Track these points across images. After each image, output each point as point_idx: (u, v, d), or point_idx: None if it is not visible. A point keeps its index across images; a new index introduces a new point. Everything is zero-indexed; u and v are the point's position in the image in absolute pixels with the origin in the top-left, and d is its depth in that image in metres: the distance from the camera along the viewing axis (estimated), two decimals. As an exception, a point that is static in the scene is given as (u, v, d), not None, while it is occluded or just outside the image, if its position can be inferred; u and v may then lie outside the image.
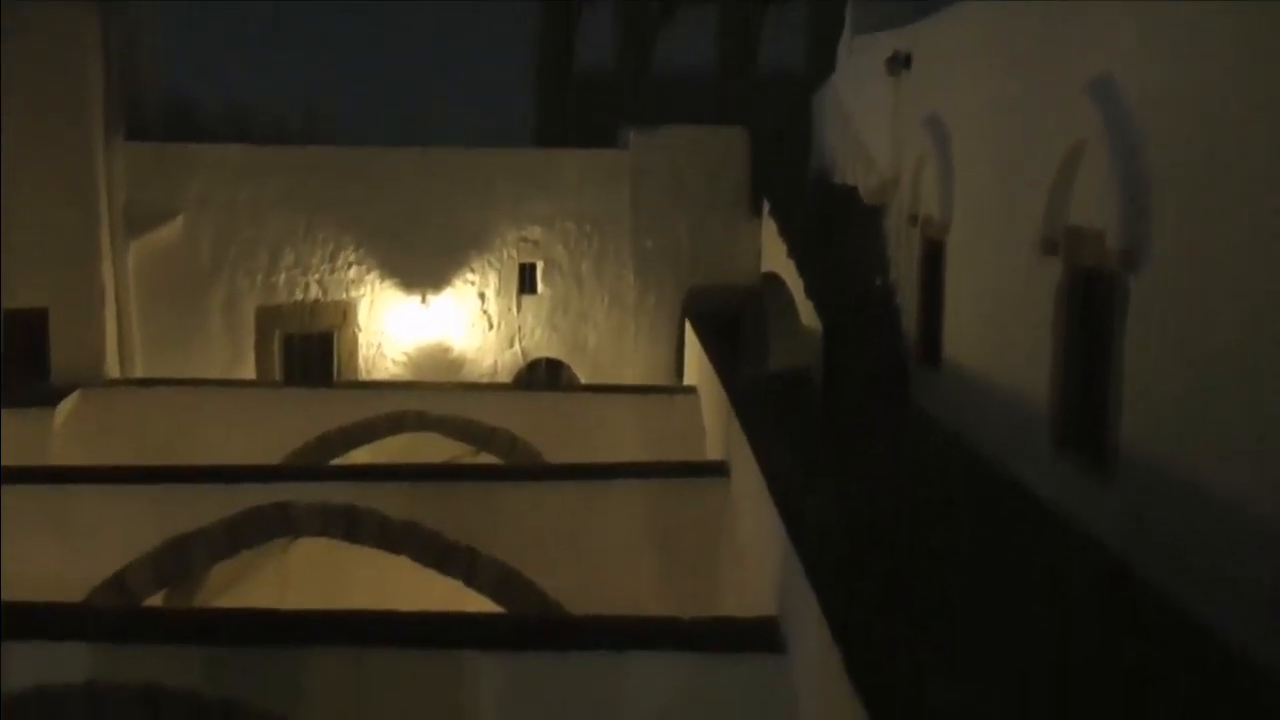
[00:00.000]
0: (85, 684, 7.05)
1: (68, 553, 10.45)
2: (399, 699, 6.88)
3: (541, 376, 19.67)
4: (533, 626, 7.89)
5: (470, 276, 19.04)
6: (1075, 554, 8.62)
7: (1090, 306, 9.28)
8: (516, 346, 19.41)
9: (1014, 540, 9.14)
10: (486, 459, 14.98)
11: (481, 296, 19.11)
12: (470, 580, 10.27)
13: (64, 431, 14.85)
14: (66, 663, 7.07)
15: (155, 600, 10.48)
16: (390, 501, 10.43)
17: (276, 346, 19.04)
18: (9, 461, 11.85)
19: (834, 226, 16.40)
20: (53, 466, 13.02)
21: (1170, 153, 7.79)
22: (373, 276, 18.80)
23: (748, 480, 8.84)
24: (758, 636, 6.71)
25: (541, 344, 19.47)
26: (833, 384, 14.37)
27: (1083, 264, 9.33)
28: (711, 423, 13.11)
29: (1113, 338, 8.56)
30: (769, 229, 17.83)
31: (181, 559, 10.61)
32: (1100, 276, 8.97)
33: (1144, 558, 7.79)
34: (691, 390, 15.57)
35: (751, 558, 8.40)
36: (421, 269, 18.87)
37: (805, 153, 21.71)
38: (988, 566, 8.38)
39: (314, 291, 18.63)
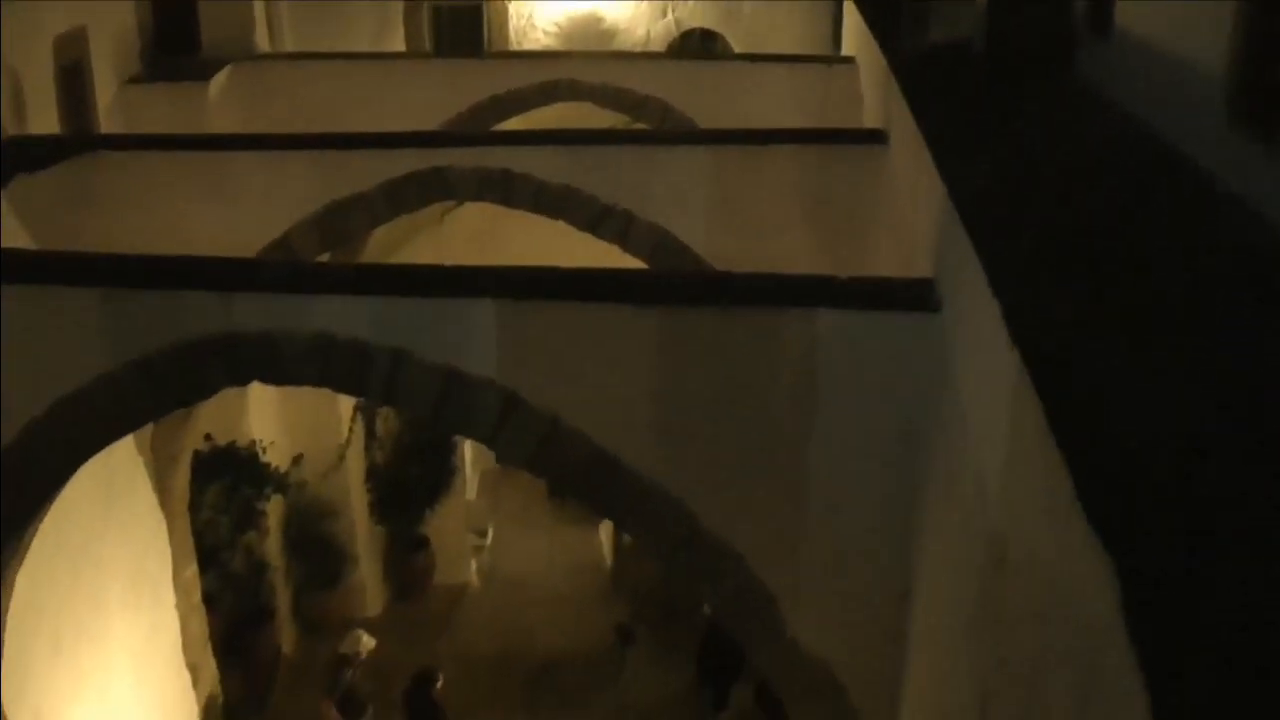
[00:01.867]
0: (259, 333, 7.38)
1: (231, 218, 10.75)
2: (561, 350, 7.08)
3: (695, 46, 19.28)
4: (691, 282, 7.99)
5: (623, -58, 18.51)
6: (1243, 229, 8.37)
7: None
8: (669, 16, 19.00)
9: (1178, 212, 8.87)
10: (640, 129, 14.87)
11: (634, -37, 18.63)
12: (625, 244, 10.38)
13: (217, 105, 15.01)
14: (240, 312, 7.38)
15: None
16: (546, 166, 10.47)
17: (425, 18, 18.91)
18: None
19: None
20: (211, 135, 13.26)
21: None
22: (523, -56, 18.39)
23: (907, 147, 8.69)
24: (914, 295, 6.71)
25: (695, 13, 19.02)
26: (995, 54, 13.85)
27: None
28: (870, 92, 12.81)
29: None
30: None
31: (342, 222, 10.87)
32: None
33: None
34: (849, 60, 15.16)
35: (907, 224, 8.33)
36: (573, -66, 18.40)
37: None
38: (1147, 234, 8.17)
39: (463, -39, 18.33)
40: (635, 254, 10.45)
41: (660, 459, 7.17)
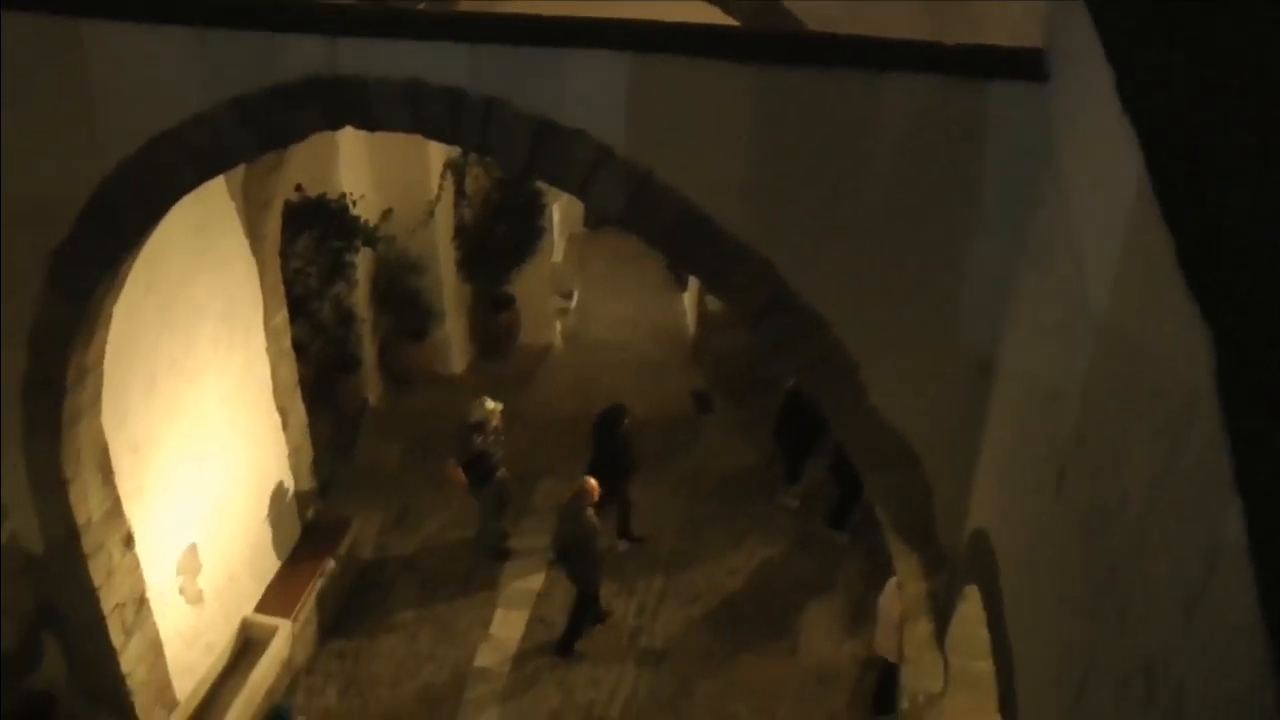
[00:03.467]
0: (354, 77, 7.33)
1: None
2: (658, 106, 6.97)
3: None
4: (792, 41, 7.79)
5: None
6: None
7: None
8: None
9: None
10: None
11: None
12: (726, 5, 10.13)
13: None
14: (337, 55, 7.33)
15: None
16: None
17: None
18: None
19: None
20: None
21: None
22: None
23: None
24: (1022, 63, 6.48)
25: None
26: None
27: None
28: None
29: None
30: None
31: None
32: None
33: None
34: None
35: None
36: None
37: None
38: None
39: None
40: (737, 18, 10.19)
41: (752, 221, 7.10)
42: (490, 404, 13.74)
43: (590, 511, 12.98)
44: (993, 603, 6.39)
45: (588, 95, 7.01)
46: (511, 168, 11.98)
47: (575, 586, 13.32)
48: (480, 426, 13.65)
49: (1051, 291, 5.72)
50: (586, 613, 13.37)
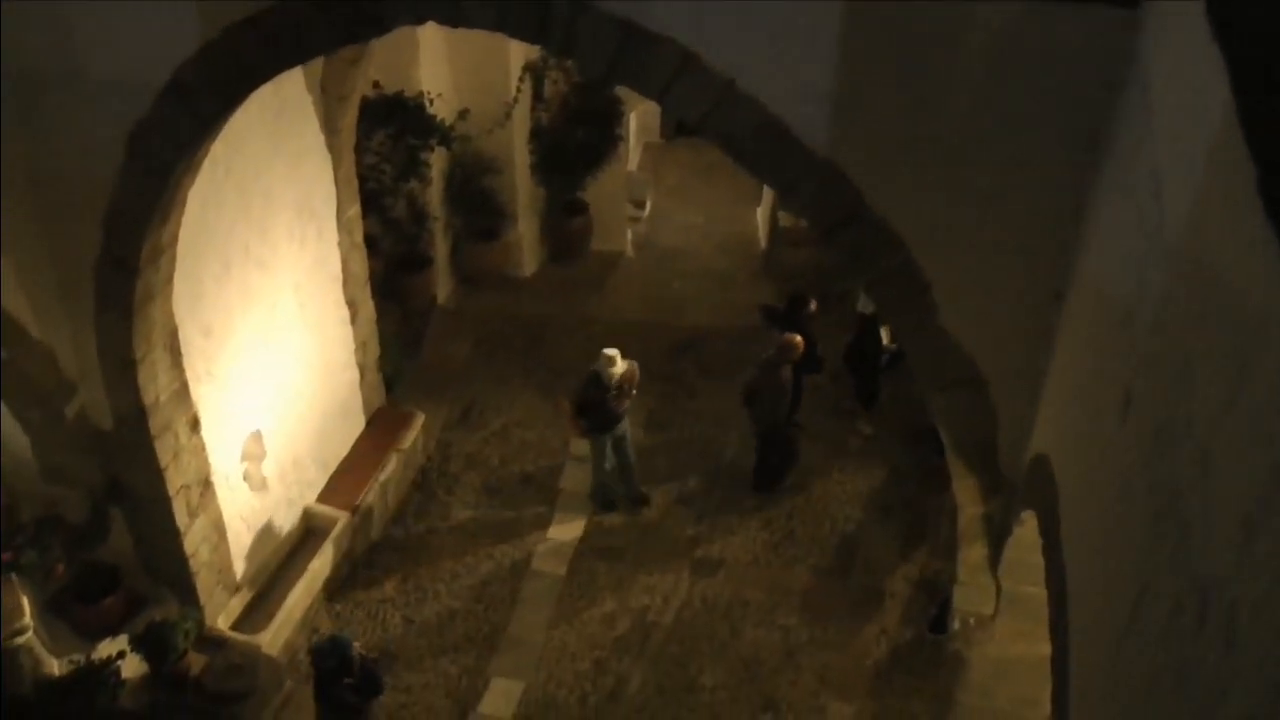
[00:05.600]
0: None
1: None
2: (741, 15, 6.89)
3: None
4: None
5: None
6: None
7: None
8: None
9: None
10: None
11: None
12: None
13: None
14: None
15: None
16: None
17: None
18: None
19: None
20: None
21: None
22: None
23: None
24: (1112, -17, 6.35)
25: None
26: None
27: None
28: None
29: None
30: None
31: None
32: None
33: None
34: None
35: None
36: None
37: None
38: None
39: None
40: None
41: (831, 135, 7.02)
42: (620, 361, 13.17)
43: (788, 369, 13.32)
44: (1050, 528, 6.38)
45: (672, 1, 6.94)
46: (594, 71, 11.89)
47: (758, 427, 13.73)
48: (597, 380, 13.12)
49: (1129, 217, 5.63)
50: (774, 450, 13.76)
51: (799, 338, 13.30)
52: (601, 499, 14.01)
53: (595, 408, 13.24)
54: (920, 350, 7.75)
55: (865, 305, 14.18)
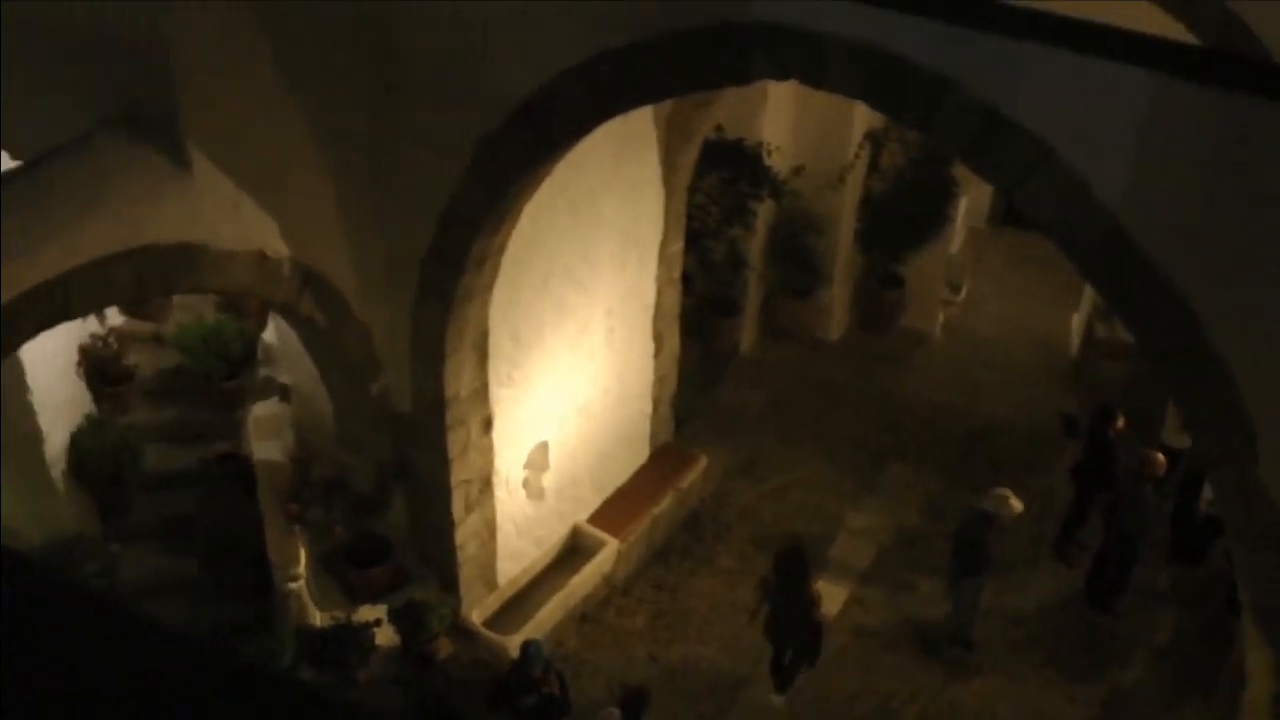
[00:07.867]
0: (811, 32, 7.29)
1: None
2: (1107, 117, 6.67)
3: None
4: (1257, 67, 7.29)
5: None
6: None
7: None
8: None
9: None
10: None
11: None
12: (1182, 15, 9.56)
13: None
14: (787, 8, 7.32)
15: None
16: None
17: None
18: None
19: None
20: None
21: None
22: None
23: None
24: None
25: None
26: None
27: None
28: None
29: None
30: None
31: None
32: None
33: None
34: None
35: None
36: None
37: None
38: None
39: None
40: (1190, 26, 9.57)
41: (1178, 255, 6.71)
42: (1013, 501, 12.31)
43: (1150, 487, 12.71)
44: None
45: (1040, 93, 6.76)
46: (949, 151, 11.69)
47: (1112, 540, 13.07)
48: (987, 518, 12.36)
49: None
50: (1128, 562, 13.11)
51: (1161, 456, 12.63)
52: (963, 641, 13.12)
53: (978, 548, 12.51)
54: (1229, 497, 7.30)
55: (1175, 439, 13.36)
